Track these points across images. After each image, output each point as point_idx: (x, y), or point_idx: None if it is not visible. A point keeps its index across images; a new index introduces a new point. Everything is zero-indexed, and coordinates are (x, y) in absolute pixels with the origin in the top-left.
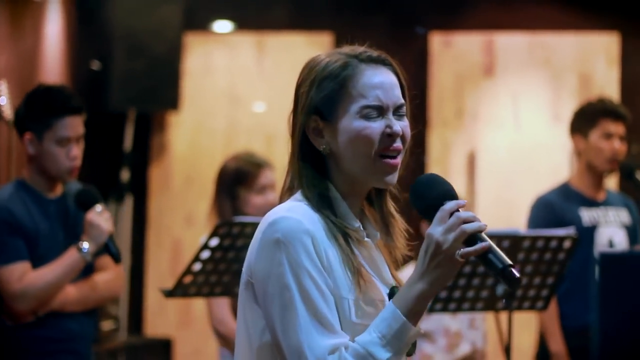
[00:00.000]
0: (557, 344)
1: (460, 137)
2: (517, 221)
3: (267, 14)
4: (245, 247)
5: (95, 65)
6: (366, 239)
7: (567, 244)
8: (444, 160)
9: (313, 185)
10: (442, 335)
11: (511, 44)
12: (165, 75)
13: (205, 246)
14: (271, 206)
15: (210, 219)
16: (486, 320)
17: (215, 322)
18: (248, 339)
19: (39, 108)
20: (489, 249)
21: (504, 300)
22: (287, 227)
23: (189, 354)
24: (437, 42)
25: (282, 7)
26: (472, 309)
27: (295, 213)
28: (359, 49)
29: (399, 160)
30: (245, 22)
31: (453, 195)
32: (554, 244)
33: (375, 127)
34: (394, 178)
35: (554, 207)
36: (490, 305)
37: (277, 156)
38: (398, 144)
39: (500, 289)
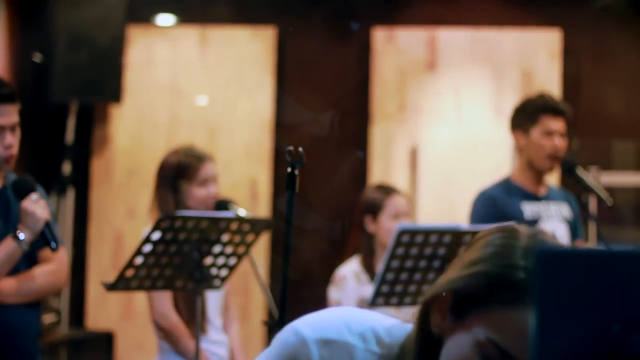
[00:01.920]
0: None
1: (403, 132)
2: (458, 216)
3: (211, 7)
4: (187, 240)
5: (37, 57)
6: None
7: None
8: (386, 154)
9: (416, 354)
10: None
11: (454, 39)
12: (108, 67)
13: (147, 240)
14: (213, 198)
15: (152, 212)
16: None
17: (157, 315)
18: None
19: None
20: None
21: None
22: (297, 354)
23: (131, 347)
24: (380, 36)
25: (226, 1)
26: (414, 303)
27: (326, 352)
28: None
29: None
30: (188, 15)
31: None
32: None
33: None
34: None
35: (496, 202)
36: None
37: (219, 149)
38: None
39: None
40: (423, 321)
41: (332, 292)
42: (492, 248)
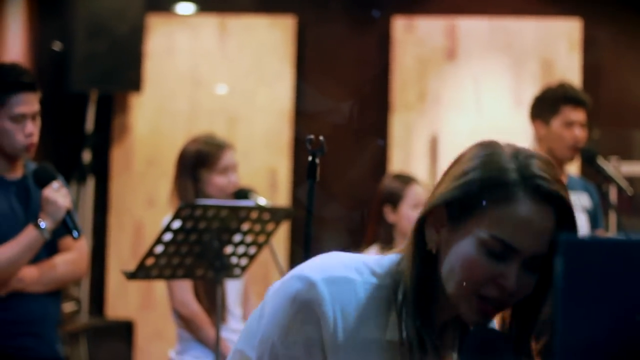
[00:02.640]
0: None
1: (423, 121)
2: None
3: None
4: (207, 229)
5: (57, 46)
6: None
7: None
8: (406, 144)
9: (412, 275)
10: None
11: (474, 28)
12: (128, 56)
13: (167, 228)
14: (233, 187)
15: (172, 201)
16: None
17: (177, 304)
18: None
19: None
20: None
21: None
22: (307, 298)
23: (150, 336)
24: (400, 25)
25: None
26: None
27: (336, 290)
28: (536, 167)
29: (496, 311)
30: (208, 4)
31: None
32: None
33: (488, 268)
34: (480, 321)
35: None
36: None
37: (238, 138)
38: (504, 298)
39: None
40: (418, 240)
41: None
42: (479, 158)
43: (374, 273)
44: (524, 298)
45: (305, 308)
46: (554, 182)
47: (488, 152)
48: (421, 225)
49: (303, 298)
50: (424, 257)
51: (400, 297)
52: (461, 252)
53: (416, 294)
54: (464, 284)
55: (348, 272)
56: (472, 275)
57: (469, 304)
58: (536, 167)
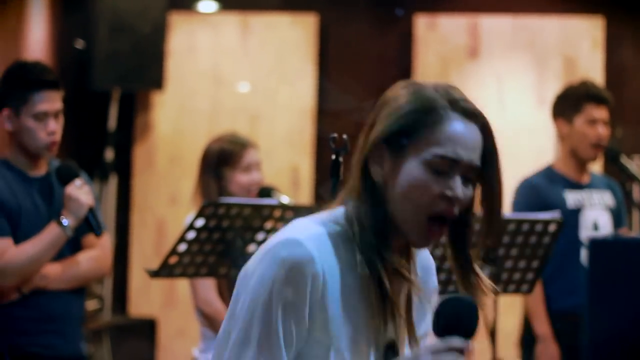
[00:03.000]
0: (543, 327)
1: None
2: None
3: None
4: (230, 228)
5: (80, 44)
6: (401, 281)
7: (552, 227)
8: None
9: (369, 216)
10: None
11: (496, 26)
12: (150, 54)
13: (191, 227)
14: (256, 185)
15: (195, 199)
16: None
17: (201, 302)
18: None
19: (14, 83)
20: None
21: None
22: (295, 256)
23: (173, 334)
24: (422, 24)
25: None
26: (456, 292)
27: (317, 245)
28: (456, 93)
29: (445, 228)
30: (230, 2)
31: (469, 333)
32: (539, 227)
33: (437, 184)
34: (426, 245)
35: (538, 190)
36: None
37: (261, 136)
38: (452, 211)
39: (485, 272)
40: (364, 178)
41: None
42: (407, 95)
43: (336, 222)
44: (463, 211)
45: (296, 268)
46: (473, 104)
47: (413, 89)
48: (365, 164)
49: (293, 259)
50: (373, 192)
51: (358, 233)
52: (409, 177)
53: (371, 225)
54: (418, 204)
55: (319, 228)
56: (424, 194)
57: (419, 227)
58: (457, 93)
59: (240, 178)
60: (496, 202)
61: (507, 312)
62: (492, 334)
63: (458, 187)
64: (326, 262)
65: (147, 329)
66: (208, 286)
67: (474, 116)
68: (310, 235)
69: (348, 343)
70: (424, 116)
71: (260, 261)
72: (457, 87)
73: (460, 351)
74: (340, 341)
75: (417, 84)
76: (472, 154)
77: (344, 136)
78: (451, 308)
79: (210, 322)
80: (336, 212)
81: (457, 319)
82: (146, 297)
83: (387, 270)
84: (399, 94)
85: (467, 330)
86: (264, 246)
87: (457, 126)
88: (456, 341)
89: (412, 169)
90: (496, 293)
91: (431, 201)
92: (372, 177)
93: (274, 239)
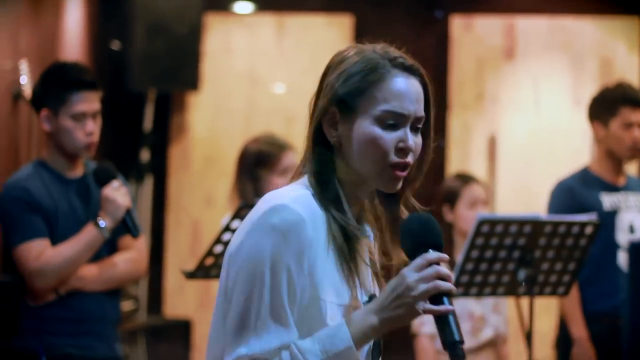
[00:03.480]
0: (579, 329)
1: (481, 121)
2: (536, 205)
3: None
4: None
5: (116, 45)
6: (362, 238)
7: (588, 229)
8: (464, 144)
9: (321, 174)
10: (466, 319)
11: (532, 27)
12: (186, 55)
13: (227, 228)
14: None
15: (231, 200)
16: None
17: None
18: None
19: (53, 84)
20: (450, 314)
21: (525, 286)
22: (287, 220)
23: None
24: (458, 25)
25: None
26: (494, 293)
27: (301, 206)
28: (394, 52)
29: (405, 173)
30: (266, 3)
31: (438, 245)
32: (575, 229)
33: (389, 139)
34: (396, 187)
35: (574, 192)
36: (511, 290)
37: (296, 137)
38: (409, 158)
39: (522, 275)
40: (319, 140)
41: None
42: (350, 60)
43: (306, 187)
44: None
45: (291, 230)
46: (411, 59)
47: (355, 52)
48: (317, 129)
49: (286, 223)
50: (329, 154)
51: (322, 194)
52: (362, 134)
53: (327, 187)
54: (375, 159)
55: (298, 191)
56: (379, 148)
57: (384, 174)
58: (394, 51)
59: (277, 181)
60: (429, 148)
61: (543, 314)
62: (529, 336)
63: (410, 139)
64: (312, 220)
65: (182, 330)
66: None
67: (413, 70)
68: (294, 198)
69: (335, 295)
70: (369, 76)
71: (248, 235)
72: (391, 46)
73: (437, 263)
74: (328, 294)
75: (357, 47)
76: (417, 106)
77: None
78: (415, 226)
79: None
80: (301, 180)
81: (424, 234)
82: (181, 298)
83: (342, 231)
84: (343, 58)
85: (435, 242)
86: (246, 221)
87: (401, 82)
88: (431, 255)
89: (364, 126)
90: (532, 295)
91: (386, 154)
92: (327, 140)
93: (257, 211)
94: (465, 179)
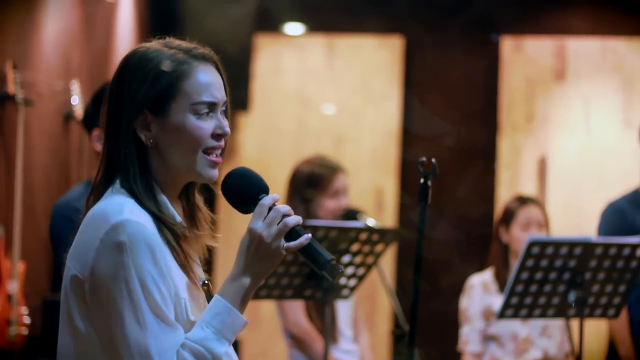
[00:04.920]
0: (628, 351)
1: (531, 142)
2: (586, 227)
3: (338, 17)
4: None
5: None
6: (188, 234)
7: (639, 251)
8: (514, 165)
9: (140, 181)
10: (509, 340)
11: (583, 48)
12: (236, 76)
13: None
14: (344, 210)
15: None
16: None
17: (290, 324)
18: (72, 334)
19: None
20: (311, 242)
21: (575, 308)
22: (132, 232)
23: (257, 355)
24: (508, 46)
25: (353, 10)
26: (543, 315)
27: (137, 216)
28: (186, 44)
29: (221, 159)
30: (316, 24)
31: (265, 189)
32: (626, 251)
33: (207, 127)
34: (216, 173)
35: (624, 214)
36: (561, 312)
37: (345, 157)
38: (222, 144)
39: (572, 297)
40: (133, 145)
41: (462, 301)
42: (147, 61)
43: (127, 196)
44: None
45: (141, 240)
46: (202, 47)
47: (146, 52)
48: (129, 133)
49: (134, 235)
50: (144, 155)
51: (146, 199)
52: (181, 128)
53: (153, 188)
54: (192, 148)
55: (122, 199)
56: (199, 137)
57: (200, 162)
58: (184, 44)
59: (329, 203)
60: (230, 126)
61: (592, 336)
62: (578, 359)
63: (225, 125)
64: (150, 225)
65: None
66: (297, 308)
67: (209, 58)
68: (129, 210)
69: (187, 292)
70: (175, 74)
71: (99, 258)
72: (177, 38)
73: (274, 204)
74: (183, 291)
75: (144, 47)
76: (222, 91)
77: (433, 160)
78: (235, 183)
79: (300, 344)
80: (116, 188)
81: (248, 185)
82: None
83: (170, 231)
84: (138, 61)
85: (261, 187)
86: (87, 242)
87: (204, 72)
88: (266, 199)
89: (180, 120)
90: (582, 317)
91: (204, 141)
92: (138, 141)
93: (96, 229)
94: (524, 200)
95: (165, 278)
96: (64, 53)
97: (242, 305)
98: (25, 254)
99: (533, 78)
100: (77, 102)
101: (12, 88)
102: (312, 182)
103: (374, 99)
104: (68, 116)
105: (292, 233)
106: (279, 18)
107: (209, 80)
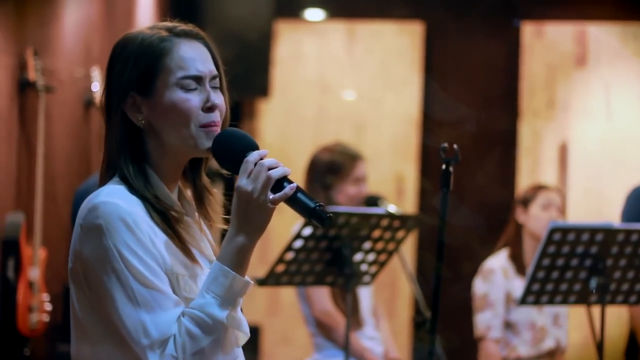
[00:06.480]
0: None
1: (552, 128)
2: (607, 213)
3: (358, 3)
4: (337, 236)
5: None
6: (186, 217)
7: None
8: (535, 151)
9: (131, 166)
10: (527, 328)
11: (604, 34)
12: (256, 62)
13: (298, 235)
14: (364, 197)
15: None
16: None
17: (316, 310)
18: (79, 326)
19: None
20: (297, 191)
21: (596, 294)
22: (107, 212)
23: (277, 342)
24: (529, 32)
25: None
26: (565, 302)
27: (113, 197)
28: (170, 23)
29: (219, 129)
30: (336, 10)
31: (254, 146)
32: None
33: (195, 100)
34: (210, 142)
35: None
36: (583, 298)
37: (366, 144)
38: (216, 117)
39: (594, 283)
40: (126, 127)
41: (479, 284)
42: (130, 45)
43: (119, 182)
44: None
45: (117, 219)
46: (187, 26)
47: (130, 38)
48: (120, 116)
49: (109, 215)
50: (139, 139)
51: (135, 183)
52: (169, 104)
53: (137, 177)
54: (185, 123)
55: (108, 188)
56: (188, 110)
57: (198, 135)
58: (169, 24)
59: (349, 189)
60: (227, 106)
61: (613, 323)
62: (600, 346)
63: (212, 96)
64: (129, 205)
65: (251, 335)
66: (323, 294)
67: (194, 34)
68: (106, 193)
69: (183, 268)
70: (156, 51)
71: (81, 245)
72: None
73: (262, 159)
74: (177, 267)
75: (130, 34)
76: (209, 65)
77: (455, 146)
78: (222, 144)
79: (328, 331)
80: (114, 179)
81: (235, 145)
82: (250, 304)
83: (161, 214)
84: (122, 47)
85: (247, 145)
86: (74, 233)
87: (187, 47)
88: (251, 155)
89: (167, 98)
90: (604, 303)
91: (195, 114)
92: (132, 126)
93: (78, 218)
94: (542, 185)
95: (149, 250)
96: (84, 40)
97: (240, 266)
98: (46, 241)
99: (554, 64)
100: (98, 88)
101: (32, 75)
102: (332, 169)
103: (394, 85)
104: (88, 103)
105: (278, 185)
106: (299, 4)
107: (191, 55)
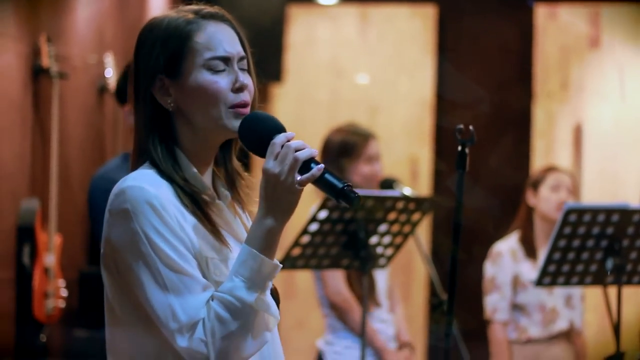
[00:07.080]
0: None
1: (566, 110)
2: (622, 194)
3: None
4: (353, 219)
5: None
6: (217, 200)
7: None
8: (549, 133)
9: (159, 147)
10: (537, 310)
11: (618, 15)
12: (269, 47)
13: (314, 218)
14: (377, 176)
15: (316, 190)
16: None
17: (330, 293)
18: (111, 311)
19: None
20: (325, 172)
21: (613, 275)
22: (133, 196)
23: (292, 325)
24: (543, 13)
25: None
26: (581, 283)
27: (141, 181)
28: (196, 6)
29: (248, 110)
30: None
31: (281, 129)
32: None
33: (223, 82)
34: (239, 123)
35: None
36: (599, 279)
37: (380, 127)
38: (246, 97)
39: (610, 264)
40: (155, 110)
41: (488, 267)
42: (157, 28)
43: (149, 167)
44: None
45: (144, 202)
46: (213, 8)
47: (157, 22)
48: (149, 100)
49: (137, 199)
50: (169, 122)
51: (165, 166)
52: (197, 85)
53: (167, 161)
54: (215, 104)
55: (137, 173)
56: (217, 91)
57: (226, 116)
58: (195, 7)
59: (363, 169)
60: (255, 88)
61: (630, 303)
62: (617, 327)
63: (240, 77)
64: (157, 188)
65: None
66: (337, 277)
67: (220, 17)
68: (133, 177)
69: (214, 252)
70: (183, 33)
71: (110, 231)
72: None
73: (288, 141)
74: (207, 251)
75: (156, 18)
76: (237, 46)
77: (470, 127)
78: (248, 127)
79: (341, 313)
80: (145, 164)
81: (261, 129)
82: None
83: (191, 198)
84: (150, 30)
85: (274, 127)
86: (105, 219)
87: (212, 28)
88: (278, 138)
89: (195, 78)
90: (620, 284)
91: (225, 95)
92: (162, 110)
93: (108, 204)
94: (552, 167)
95: (177, 233)
96: (97, 26)
97: (268, 250)
98: (61, 227)
99: (568, 45)
100: (111, 74)
101: (46, 61)
102: (344, 150)
103: (407, 68)
104: (102, 89)
105: (306, 166)
106: None
107: (218, 36)
